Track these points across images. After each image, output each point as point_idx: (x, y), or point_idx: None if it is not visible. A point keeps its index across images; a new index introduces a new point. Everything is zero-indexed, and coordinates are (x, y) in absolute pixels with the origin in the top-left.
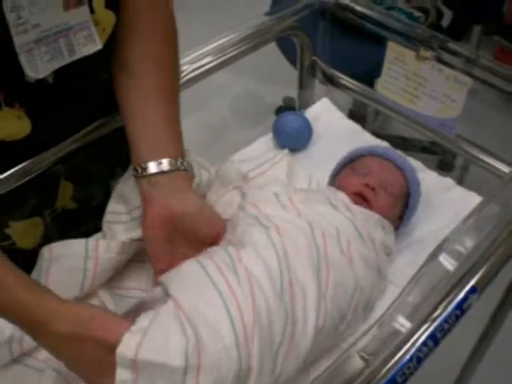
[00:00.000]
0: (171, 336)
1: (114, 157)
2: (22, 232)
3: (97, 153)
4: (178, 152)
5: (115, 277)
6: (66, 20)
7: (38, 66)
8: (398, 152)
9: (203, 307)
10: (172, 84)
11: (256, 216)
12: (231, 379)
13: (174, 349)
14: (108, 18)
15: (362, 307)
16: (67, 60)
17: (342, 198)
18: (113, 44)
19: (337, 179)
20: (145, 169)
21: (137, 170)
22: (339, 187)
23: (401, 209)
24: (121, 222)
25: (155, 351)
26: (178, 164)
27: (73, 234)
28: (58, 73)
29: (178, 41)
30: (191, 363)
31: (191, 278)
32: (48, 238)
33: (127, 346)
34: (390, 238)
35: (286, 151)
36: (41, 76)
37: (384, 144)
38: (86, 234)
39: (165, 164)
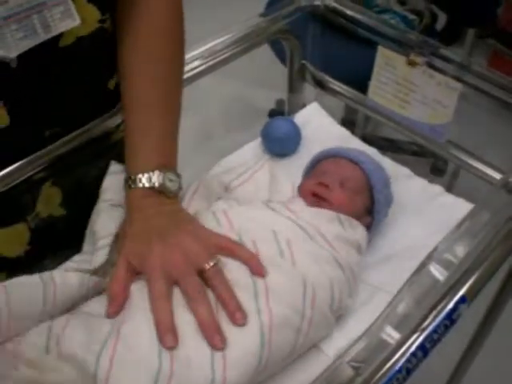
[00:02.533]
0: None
1: (105, 162)
2: (4, 240)
3: (87, 157)
4: (170, 162)
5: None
6: None
7: (9, 45)
8: (358, 149)
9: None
10: (176, 89)
11: None
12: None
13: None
14: (90, 12)
15: (327, 302)
16: (43, 37)
17: (298, 202)
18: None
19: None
20: (136, 181)
21: (128, 182)
22: (300, 194)
23: (366, 203)
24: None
25: None
26: (167, 180)
27: (63, 242)
28: (22, 57)
29: (183, 43)
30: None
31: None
32: (35, 246)
33: None
34: (355, 232)
35: (266, 157)
36: (13, 55)
37: (372, 150)
38: (78, 241)
39: (156, 176)
